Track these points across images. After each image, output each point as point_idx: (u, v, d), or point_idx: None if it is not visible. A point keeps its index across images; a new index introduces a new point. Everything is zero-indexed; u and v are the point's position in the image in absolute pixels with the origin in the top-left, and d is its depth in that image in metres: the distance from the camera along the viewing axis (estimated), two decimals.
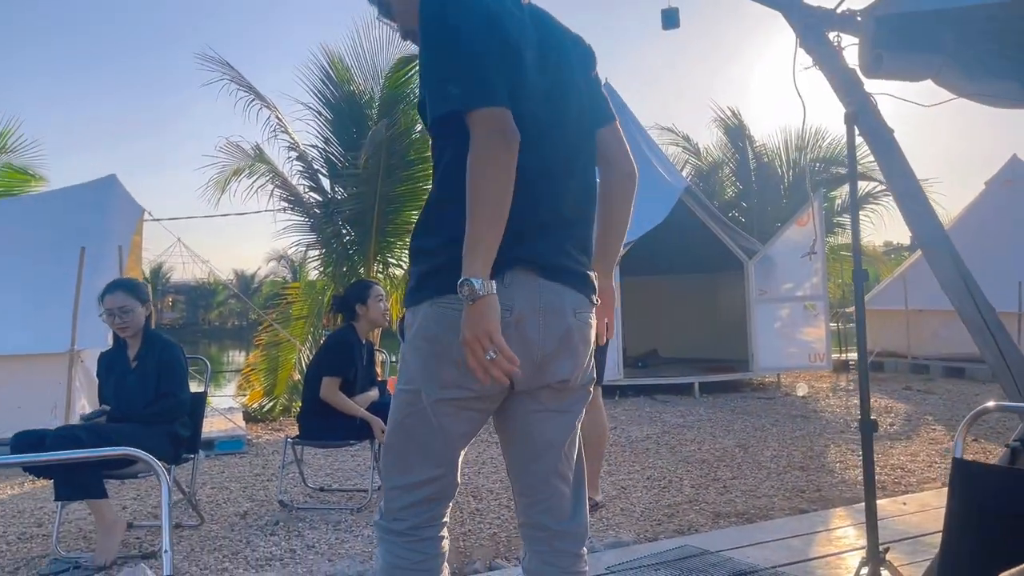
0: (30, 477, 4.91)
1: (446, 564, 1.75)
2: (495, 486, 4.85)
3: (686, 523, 3.94)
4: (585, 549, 1.80)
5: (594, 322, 1.75)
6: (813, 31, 2.66)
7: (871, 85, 2.60)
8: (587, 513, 1.81)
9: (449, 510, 1.78)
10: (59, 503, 3.67)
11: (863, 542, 3.39)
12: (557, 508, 1.75)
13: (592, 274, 1.75)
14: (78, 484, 3.48)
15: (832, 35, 2.74)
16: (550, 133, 1.66)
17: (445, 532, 1.76)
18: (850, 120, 2.49)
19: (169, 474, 3.51)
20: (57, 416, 6.15)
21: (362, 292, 4.64)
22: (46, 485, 5.13)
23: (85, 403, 6.51)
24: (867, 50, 2.49)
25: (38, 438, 3.38)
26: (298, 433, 4.59)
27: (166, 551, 1.66)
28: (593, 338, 1.74)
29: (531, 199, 1.58)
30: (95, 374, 4.08)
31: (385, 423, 4.27)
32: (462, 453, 1.74)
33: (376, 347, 5.01)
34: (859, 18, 2.65)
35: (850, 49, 2.72)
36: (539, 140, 1.62)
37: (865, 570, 2.57)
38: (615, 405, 8.48)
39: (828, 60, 2.63)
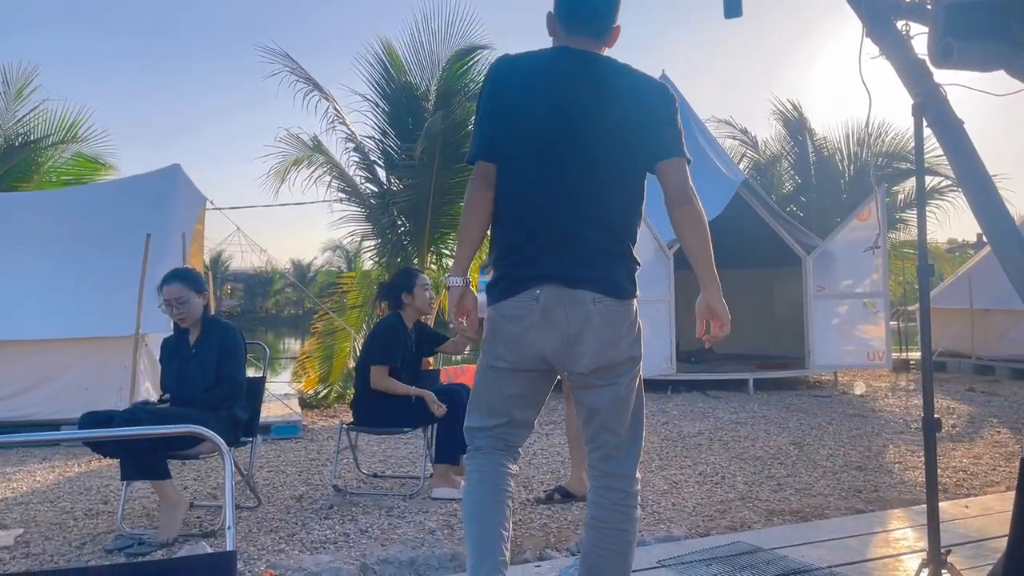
0: (97, 456, 5.08)
1: (510, 479, 2.30)
2: (545, 477, 4.86)
3: (738, 520, 3.90)
4: (638, 489, 2.29)
5: (625, 311, 2.18)
6: (880, 20, 2.59)
7: (940, 75, 2.53)
8: (636, 463, 2.30)
9: (517, 453, 2.34)
10: (124, 482, 3.79)
11: (923, 544, 3.32)
12: (608, 456, 2.28)
13: (622, 276, 2.18)
14: (143, 464, 3.60)
15: (900, 24, 2.67)
16: (562, 167, 2.15)
17: (507, 460, 2.31)
18: (918, 111, 2.42)
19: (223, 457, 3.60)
20: (122, 398, 6.36)
21: (408, 280, 4.69)
22: (111, 464, 5.31)
23: (149, 386, 6.71)
24: (936, 39, 2.42)
25: (107, 418, 3.51)
26: (352, 419, 4.66)
27: (229, 527, 1.71)
28: (621, 324, 2.17)
29: (545, 221, 2.15)
30: (158, 359, 4.20)
31: (447, 406, 4.34)
32: (528, 414, 2.32)
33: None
34: (928, 6, 2.57)
35: (918, 38, 2.65)
36: (543, 175, 2.16)
37: (926, 572, 2.52)
38: (667, 400, 8.42)
39: (896, 50, 2.57)
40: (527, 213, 2.16)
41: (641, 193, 2.25)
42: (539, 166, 2.15)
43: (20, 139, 11.96)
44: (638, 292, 2.23)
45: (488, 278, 2.35)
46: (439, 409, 4.33)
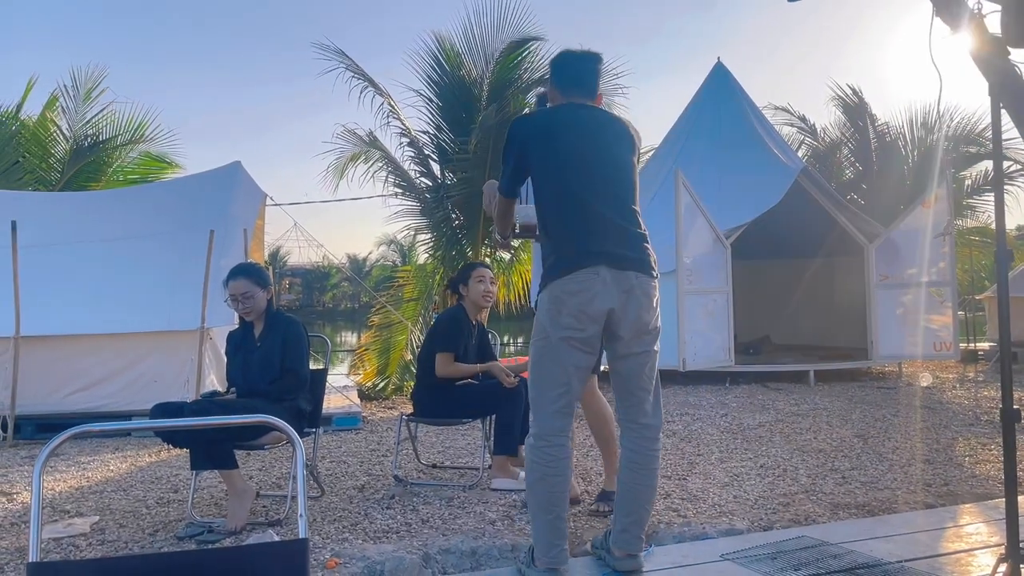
0: (167, 446, 5.24)
1: (571, 464, 2.84)
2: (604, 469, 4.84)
3: (802, 513, 3.83)
4: (661, 435, 2.95)
5: (653, 285, 2.85)
6: None
7: (1017, 55, 2.43)
8: (661, 414, 2.96)
9: (572, 430, 2.89)
10: (194, 472, 3.90)
11: (997, 539, 3.22)
12: (641, 409, 2.90)
13: (650, 257, 2.86)
14: (212, 455, 3.69)
15: (972, 2, 2.58)
16: (598, 173, 2.86)
17: (569, 444, 2.83)
18: (995, 92, 2.33)
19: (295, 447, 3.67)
20: (188, 391, 6.55)
21: (464, 273, 4.76)
22: (180, 454, 5.47)
23: (214, 379, 6.89)
24: (1012, 18, 2.33)
25: (177, 409, 3.61)
26: (412, 410, 4.72)
27: (301, 515, 1.74)
28: (652, 296, 2.84)
29: (596, 217, 2.81)
30: (223, 352, 4.30)
31: (502, 403, 4.36)
32: (579, 388, 2.85)
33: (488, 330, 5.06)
34: None
35: (992, 17, 2.55)
36: (586, 184, 2.84)
37: (1003, 567, 2.44)
38: (725, 392, 8.31)
39: (969, 29, 2.47)
40: (579, 211, 2.81)
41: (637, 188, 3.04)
42: (582, 175, 2.84)
43: (89, 140, 12.36)
44: (657, 272, 2.89)
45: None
46: (509, 379, 4.37)
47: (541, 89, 4.01)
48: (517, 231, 3.49)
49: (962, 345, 10.49)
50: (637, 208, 2.94)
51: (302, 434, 4.11)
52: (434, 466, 5.10)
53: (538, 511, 2.77)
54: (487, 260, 10.34)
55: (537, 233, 3.15)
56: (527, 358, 4.03)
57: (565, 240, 2.82)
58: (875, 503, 4.00)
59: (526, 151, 2.93)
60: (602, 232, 2.80)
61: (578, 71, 3.08)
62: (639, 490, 2.90)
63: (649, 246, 2.88)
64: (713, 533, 3.50)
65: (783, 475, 4.64)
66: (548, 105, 3.22)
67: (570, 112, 2.99)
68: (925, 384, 8.80)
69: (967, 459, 5.03)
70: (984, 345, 12.68)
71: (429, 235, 10.77)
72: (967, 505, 3.92)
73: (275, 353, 3.97)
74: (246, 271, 4.08)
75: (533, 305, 3.24)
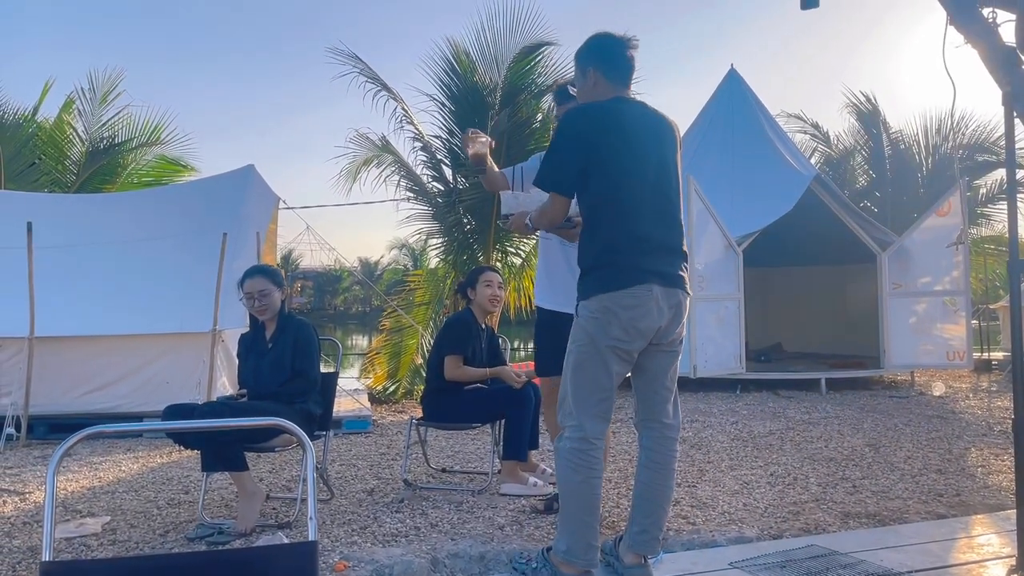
0: (178, 447, 5.26)
1: (603, 467, 2.86)
2: (613, 475, 4.84)
3: (812, 522, 3.82)
4: (679, 436, 3.00)
5: (687, 301, 2.92)
6: (966, 7, 2.50)
7: None
8: (680, 417, 3.02)
9: (607, 435, 2.89)
10: (205, 473, 3.92)
11: (1009, 550, 3.20)
12: (664, 409, 2.96)
13: (685, 274, 2.92)
14: (223, 456, 3.71)
15: (987, 11, 2.57)
16: (651, 187, 2.83)
17: (603, 447, 2.85)
18: (1008, 101, 2.32)
19: (305, 449, 3.69)
20: (200, 393, 6.58)
21: (472, 277, 4.81)
22: (191, 455, 5.50)
23: (225, 381, 6.92)
24: None
25: (188, 410, 3.63)
26: (422, 415, 4.73)
27: (311, 518, 1.75)
28: (686, 310, 2.93)
29: (652, 230, 2.82)
30: (235, 354, 4.33)
31: (511, 408, 4.37)
32: (613, 394, 2.88)
33: (498, 335, 5.07)
34: None
35: (1006, 26, 2.55)
36: (646, 194, 2.82)
37: None
38: (736, 400, 8.28)
39: (983, 38, 2.47)
40: (636, 223, 2.78)
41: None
42: (643, 183, 2.81)
43: (105, 142, 12.46)
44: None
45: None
46: (517, 381, 4.39)
47: (565, 81, 3.71)
48: (507, 223, 3.36)
49: (976, 355, 10.42)
50: (682, 219, 2.96)
51: (313, 437, 4.13)
52: (443, 470, 5.10)
53: (579, 512, 2.78)
54: (497, 265, 10.35)
55: (530, 224, 3.12)
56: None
57: (619, 251, 2.78)
58: (886, 513, 3.98)
59: (592, 148, 2.78)
60: (656, 249, 2.82)
61: (626, 59, 2.91)
62: (658, 490, 2.93)
63: (687, 264, 2.96)
64: (722, 541, 3.49)
65: (793, 483, 4.62)
66: (576, 94, 3.05)
67: (628, 109, 2.86)
68: (938, 393, 8.75)
69: (979, 469, 5.00)
70: (998, 355, 12.58)
71: (440, 239, 10.80)
72: (979, 516, 3.89)
73: (286, 355, 4.00)
74: (263, 270, 4.18)
75: (542, 305, 3.75)
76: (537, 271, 4.04)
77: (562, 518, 2.86)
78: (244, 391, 4.07)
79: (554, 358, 3.25)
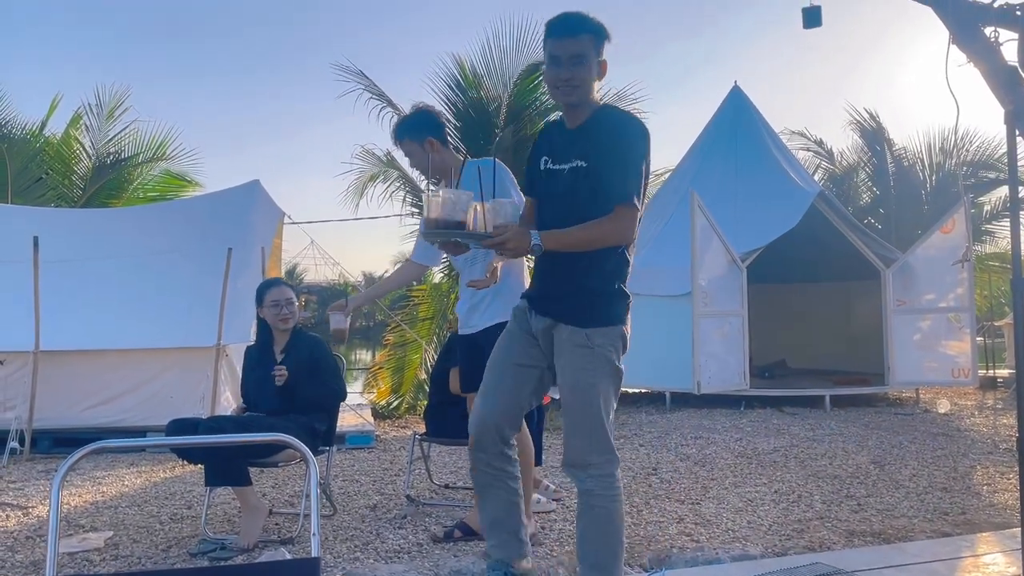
0: (181, 462, 5.26)
1: None
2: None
3: (817, 540, 3.80)
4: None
5: None
6: (968, 26, 2.52)
7: None
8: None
9: None
10: (208, 488, 3.92)
11: (1015, 570, 3.18)
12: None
13: None
14: (226, 471, 3.71)
15: (989, 31, 2.60)
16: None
17: None
18: (1010, 119, 2.33)
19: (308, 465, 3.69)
20: (204, 407, 6.57)
21: None
22: (195, 470, 5.48)
23: (229, 395, 6.92)
24: None
25: (192, 425, 3.64)
26: (425, 430, 4.72)
27: (315, 534, 1.75)
28: None
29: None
30: (239, 369, 4.35)
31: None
32: None
33: None
34: (1018, 12, 2.49)
35: (1008, 45, 2.57)
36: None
37: None
38: (740, 416, 8.26)
39: (985, 57, 2.49)
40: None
41: None
42: None
43: (111, 158, 12.54)
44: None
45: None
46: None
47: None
48: (494, 241, 2.51)
49: (981, 372, 10.38)
50: None
51: (316, 452, 4.13)
52: (446, 486, 5.09)
53: (621, 554, 2.62)
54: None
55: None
56: None
57: (628, 272, 2.69)
58: (891, 531, 3.96)
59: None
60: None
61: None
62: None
63: None
64: (726, 558, 3.47)
65: (798, 501, 4.60)
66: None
67: None
68: (943, 411, 8.72)
69: (985, 487, 4.97)
70: (1003, 372, 12.54)
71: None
72: (984, 534, 3.87)
73: (301, 370, 3.99)
74: (284, 282, 4.32)
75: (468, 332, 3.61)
76: (461, 298, 3.83)
77: (614, 552, 2.60)
78: (244, 405, 4.09)
79: (479, 375, 2.90)
